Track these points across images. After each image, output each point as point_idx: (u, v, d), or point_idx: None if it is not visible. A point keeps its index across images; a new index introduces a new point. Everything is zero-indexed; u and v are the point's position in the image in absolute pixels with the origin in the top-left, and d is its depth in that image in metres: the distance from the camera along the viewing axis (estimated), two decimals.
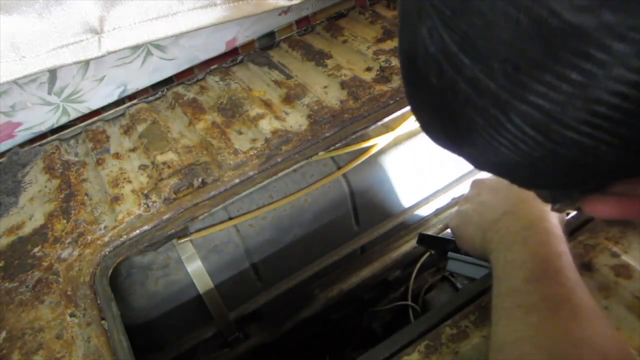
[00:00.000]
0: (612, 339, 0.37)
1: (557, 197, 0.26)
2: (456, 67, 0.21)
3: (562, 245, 0.43)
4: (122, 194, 0.64)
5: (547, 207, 0.47)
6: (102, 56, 0.63)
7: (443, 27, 0.21)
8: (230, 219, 0.68)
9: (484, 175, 0.59)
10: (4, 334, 0.51)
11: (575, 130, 0.19)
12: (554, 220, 0.46)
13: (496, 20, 0.19)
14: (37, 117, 0.73)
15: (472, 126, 0.22)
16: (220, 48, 0.83)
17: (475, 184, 0.57)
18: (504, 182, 0.56)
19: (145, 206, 0.62)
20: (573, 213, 0.66)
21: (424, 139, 0.77)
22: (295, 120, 0.70)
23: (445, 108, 0.23)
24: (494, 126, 0.21)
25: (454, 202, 0.88)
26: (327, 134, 0.67)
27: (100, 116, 0.80)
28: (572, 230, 0.52)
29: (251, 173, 0.64)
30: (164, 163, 0.67)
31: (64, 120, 0.76)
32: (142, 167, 0.68)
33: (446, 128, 0.25)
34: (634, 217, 0.24)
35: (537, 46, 0.18)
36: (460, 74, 0.21)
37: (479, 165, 0.26)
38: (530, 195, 0.49)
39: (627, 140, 0.18)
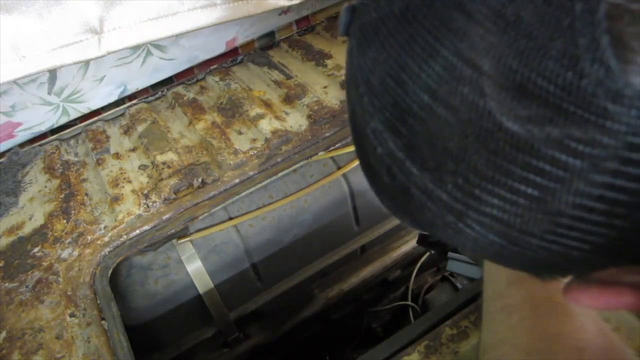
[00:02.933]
0: (592, 333, 0.36)
1: (537, 275, 0.23)
2: (405, 174, 0.20)
3: None
4: (122, 194, 0.64)
5: None
6: (102, 56, 0.63)
7: (386, 131, 0.20)
8: (230, 219, 0.68)
9: None
10: (4, 334, 0.51)
11: (540, 238, 0.18)
12: None
13: (439, 131, 0.18)
14: (37, 117, 0.73)
15: (433, 226, 0.21)
16: (220, 48, 0.82)
17: None
18: None
19: (145, 206, 0.62)
20: None
21: None
22: (295, 120, 0.70)
23: (403, 206, 0.22)
24: (453, 230, 0.20)
25: None
26: (327, 134, 0.67)
27: (100, 116, 0.80)
28: None
29: (251, 173, 0.64)
30: (164, 163, 0.67)
31: (64, 120, 0.76)
32: (142, 167, 0.68)
33: (409, 220, 0.23)
34: (618, 308, 0.21)
35: (485, 160, 0.17)
36: (410, 181, 0.20)
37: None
38: None
39: (598, 245, 0.17)
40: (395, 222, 0.83)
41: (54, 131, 0.78)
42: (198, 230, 0.67)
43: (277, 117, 0.71)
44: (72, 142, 0.77)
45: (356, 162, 0.72)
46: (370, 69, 0.20)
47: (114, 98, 0.79)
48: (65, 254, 0.58)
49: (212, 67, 0.85)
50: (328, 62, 0.80)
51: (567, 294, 0.22)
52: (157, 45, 0.75)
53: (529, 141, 0.16)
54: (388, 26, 0.19)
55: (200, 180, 0.64)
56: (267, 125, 0.70)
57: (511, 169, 0.17)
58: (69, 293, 0.54)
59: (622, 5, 0.14)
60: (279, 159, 0.65)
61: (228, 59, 0.86)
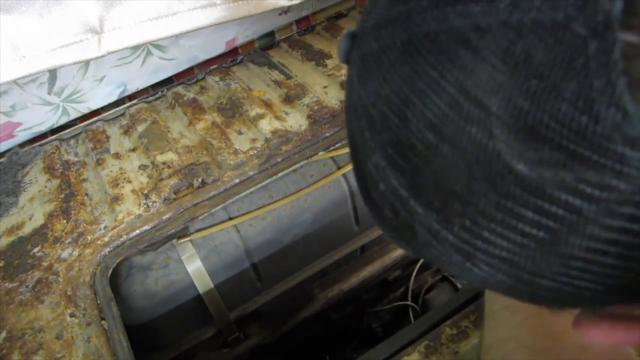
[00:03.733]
0: None
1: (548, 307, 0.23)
2: (409, 212, 0.19)
3: None
4: (122, 194, 0.64)
5: None
6: (102, 56, 0.63)
7: (388, 167, 0.19)
8: (230, 219, 0.68)
9: None
10: (4, 334, 0.51)
11: (551, 279, 0.17)
12: None
13: (445, 171, 0.17)
14: (37, 117, 0.73)
15: (439, 262, 0.20)
16: (220, 48, 0.82)
17: None
18: None
19: (145, 206, 0.62)
20: None
21: None
22: (295, 120, 0.70)
23: (406, 240, 0.21)
24: (460, 268, 0.19)
25: None
26: (327, 134, 0.67)
27: (100, 116, 0.80)
28: None
29: (251, 173, 0.64)
30: (164, 163, 0.67)
31: (64, 120, 0.76)
32: (142, 167, 0.68)
33: (412, 253, 0.22)
34: (628, 344, 0.21)
35: (494, 203, 0.16)
36: (415, 219, 0.19)
37: None
38: None
39: (611, 286, 0.17)
40: None
41: (54, 131, 0.78)
42: (198, 230, 0.67)
43: (277, 117, 0.71)
44: (72, 142, 0.77)
45: None
46: (371, 102, 0.19)
47: (114, 98, 0.79)
48: (65, 254, 0.58)
49: (212, 67, 0.85)
50: (328, 62, 0.80)
51: (577, 327, 0.21)
52: (157, 45, 0.75)
53: (541, 185, 0.15)
54: (390, 58, 0.18)
55: (200, 180, 0.64)
56: (267, 125, 0.70)
57: (521, 213, 0.16)
58: (69, 293, 0.54)
59: (638, 44, 0.13)
60: (279, 159, 0.65)
61: (228, 59, 0.86)
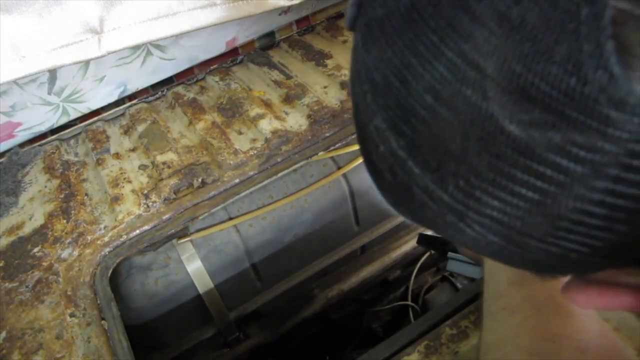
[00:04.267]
0: (594, 334, 0.37)
1: (535, 272, 0.24)
2: (407, 172, 0.20)
3: None
4: (122, 194, 0.64)
5: None
6: (102, 56, 0.63)
7: (388, 129, 0.20)
8: (230, 219, 0.68)
9: None
10: (4, 334, 0.51)
11: (539, 240, 0.18)
12: None
13: (441, 132, 0.18)
14: (37, 117, 0.73)
15: (434, 224, 0.21)
16: (220, 48, 0.83)
17: None
18: None
19: (145, 206, 0.62)
20: None
21: None
22: (295, 120, 0.70)
23: (404, 203, 0.22)
24: (454, 229, 0.20)
25: None
26: (327, 134, 0.67)
27: (100, 116, 0.80)
28: None
29: (251, 173, 0.64)
30: (164, 163, 0.67)
31: (64, 120, 0.76)
32: (142, 167, 0.68)
33: (410, 217, 0.23)
34: (617, 309, 0.21)
35: (487, 163, 0.17)
36: (412, 180, 0.20)
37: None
38: None
39: (597, 248, 0.17)
40: (395, 222, 0.83)
41: (54, 131, 0.78)
42: (198, 230, 0.67)
43: (277, 117, 0.71)
44: (72, 142, 0.77)
45: (356, 162, 0.72)
46: (374, 66, 0.20)
47: (114, 98, 0.79)
48: (65, 254, 0.58)
49: (212, 67, 0.85)
50: (328, 62, 0.80)
51: (565, 293, 0.22)
52: (157, 45, 0.75)
53: (531, 145, 0.16)
54: (393, 24, 0.19)
55: (200, 180, 0.64)
56: (267, 125, 0.70)
57: (512, 173, 0.17)
58: (69, 293, 0.54)
59: (628, 11, 0.14)
60: (279, 159, 0.65)
61: (228, 59, 0.86)
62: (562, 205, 0.16)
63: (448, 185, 0.18)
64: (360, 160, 0.72)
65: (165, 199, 0.62)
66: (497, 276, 0.43)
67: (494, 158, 0.17)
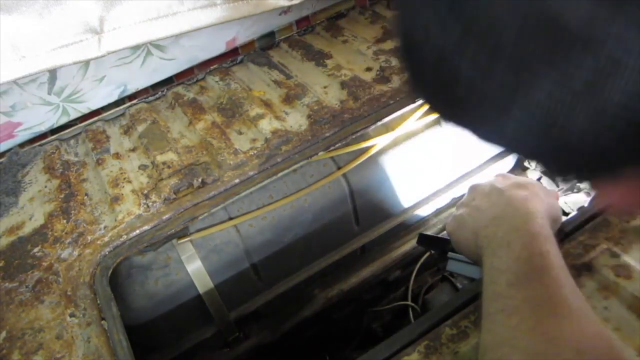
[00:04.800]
0: (592, 336, 0.37)
1: (564, 173, 0.26)
2: (459, 56, 0.21)
3: (547, 245, 0.43)
4: (122, 194, 0.64)
5: (535, 208, 0.47)
6: (102, 56, 0.63)
7: (439, 22, 0.21)
8: (230, 219, 0.68)
9: (482, 179, 0.59)
10: (4, 334, 0.51)
11: (580, 125, 0.19)
12: (541, 220, 0.46)
13: (499, 16, 0.19)
14: (37, 117, 0.73)
15: (472, 115, 0.22)
16: (220, 48, 0.83)
17: (472, 188, 0.57)
18: (496, 187, 0.56)
19: (145, 206, 0.62)
20: (573, 213, 0.66)
21: (423, 139, 0.77)
22: (295, 120, 0.70)
23: (446, 92, 0.23)
24: (494, 116, 0.21)
25: (454, 202, 0.88)
26: (327, 134, 0.67)
27: (100, 116, 0.80)
28: (572, 230, 0.52)
29: (251, 173, 0.64)
30: (164, 163, 0.67)
31: (64, 120, 0.76)
32: (142, 167, 0.68)
33: (448, 110, 0.24)
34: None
35: (544, 45, 0.18)
36: (461, 64, 0.21)
37: (486, 138, 0.26)
38: (517, 197, 0.49)
39: (633, 141, 0.18)
40: (395, 222, 0.83)
41: (54, 131, 0.78)
42: (198, 230, 0.67)
43: (277, 117, 0.71)
44: (72, 142, 0.77)
45: (356, 162, 0.72)
46: None
47: (114, 98, 0.79)
48: (65, 254, 0.58)
49: (212, 67, 0.85)
50: (328, 62, 0.80)
51: (595, 186, 0.24)
52: (157, 45, 0.75)
53: (591, 33, 0.17)
54: None
55: (200, 180, 0.64)
56: (267, 125, 0.70)
57: (568, 55, 0.18)
58: (69, 293, 0.54)
59: None
60: (279, 159, 0.65)
61: (228, 59, 0.86)
62: (607, 93, 0.17)
63: (498, 67, 0.19)
64: (360, 160, 0.72)
65: (165, 199, 0.62)
66: (496, 278, 0.43)
67: (552, 40, 0.18)
